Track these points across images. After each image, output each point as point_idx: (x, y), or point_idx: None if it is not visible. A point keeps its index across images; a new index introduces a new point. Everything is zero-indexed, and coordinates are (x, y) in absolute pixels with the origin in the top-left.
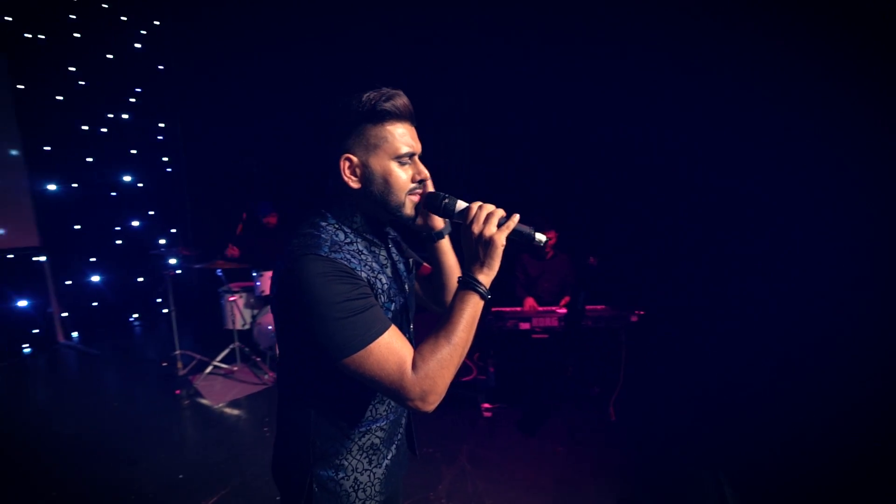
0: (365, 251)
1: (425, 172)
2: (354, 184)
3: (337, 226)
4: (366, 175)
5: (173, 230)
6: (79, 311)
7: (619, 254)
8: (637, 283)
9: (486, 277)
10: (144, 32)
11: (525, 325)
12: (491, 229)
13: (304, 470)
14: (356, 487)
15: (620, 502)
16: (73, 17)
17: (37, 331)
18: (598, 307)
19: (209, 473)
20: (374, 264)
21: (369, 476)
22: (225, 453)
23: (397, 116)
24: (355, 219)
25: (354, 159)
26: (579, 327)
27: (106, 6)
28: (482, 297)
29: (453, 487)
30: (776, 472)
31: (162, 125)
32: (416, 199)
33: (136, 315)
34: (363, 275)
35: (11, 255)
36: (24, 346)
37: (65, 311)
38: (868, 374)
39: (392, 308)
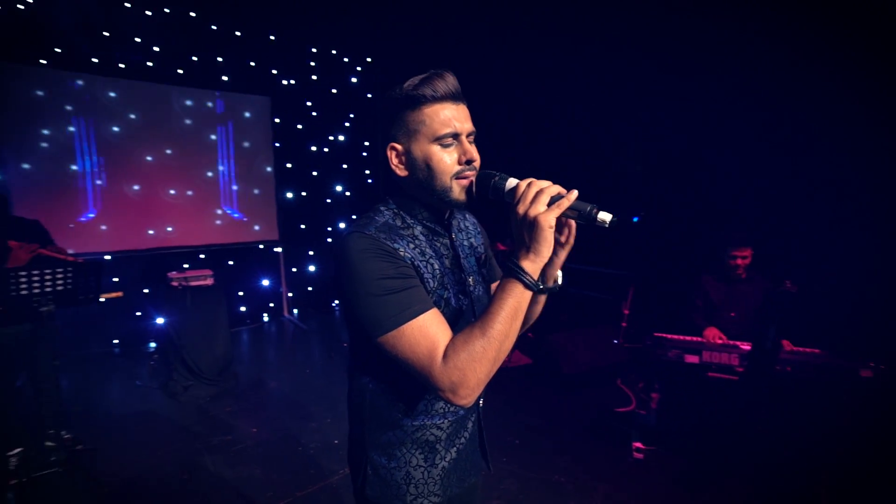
0: (422, 237)
1: (473, 153)
2: (402, 171)
3: (396, 211)
4: (409, 162)
5: None
6: (299, 292)
7: (844, 282)
8: (877, 324)
9: (532, 265)
10: (360, 69)
11: (692, 359)
12: (538, 209)
13: (362, 450)
14: (408, 481)
15: None
16: (313, 63)
17: (272, 305)
18: (808, 350)
19: None
20: (427, 249)
21: (423, 473)
22: None
23: (436, 98)
24: (414, 206)
25: (399, 147)
26: (771, 372)
27: (334, 52)
28: (527, 286)
29: None
30: None
31: (367, 143)
32: (465, 182)
33: (337, 302)
34: (407, 255)
35: (261, 246)
36: (263, 314)
37: (290, 292)
38: None
39: (445, 296)
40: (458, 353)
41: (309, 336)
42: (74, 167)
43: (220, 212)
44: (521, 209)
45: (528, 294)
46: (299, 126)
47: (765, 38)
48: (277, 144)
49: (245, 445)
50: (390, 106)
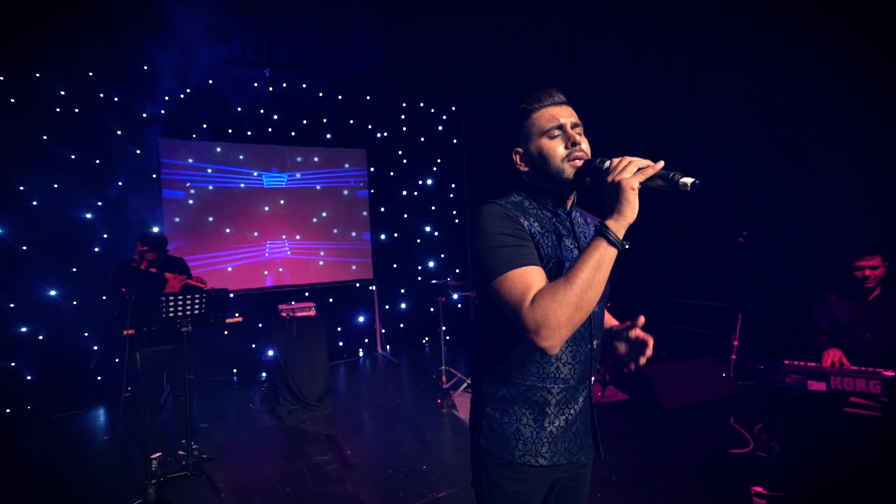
0: (545, 219)
1: (576, 137)
2: (524, 168)
3: (525, 197)
4: (528, 158)
5: (458, 270)
6: (391, 329)
7: None
8: None
9: (616, 224)
10: (445, 117)
11: (818, 386)
12: (623, 175)
13: (481, 406)
14: (517, 437)
15: None
16: (403, 116)
17: (367, 340)
18: None
19: (445, 472)
20: (548, 225)
21: (532, 432)
22: (461, 460)
23: (542, 105)
24: (539, 195)
25: (520, 150)
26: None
27: (422, 105)
28: (610, 243)
29: None
30: None
31: (454, 185)
32: (576, 164)
33: (426, 338)
34: (526, 224)
35: (358, 284)
36: (359, 349)
37: (383, 329)
38: None
39: (548, 267)
40: (544, 296)
41: (400, 370)
42: (211, 218)
43: (322, 253)
44: (610, 178)
45: (612, 250)
46: (391, 173)
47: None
48: (372, 191)
49: (340, 465)
50: (510, 121)
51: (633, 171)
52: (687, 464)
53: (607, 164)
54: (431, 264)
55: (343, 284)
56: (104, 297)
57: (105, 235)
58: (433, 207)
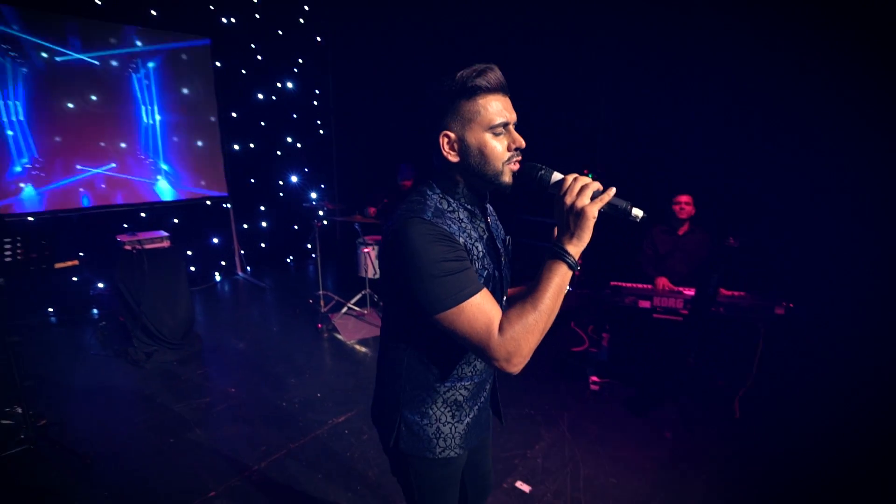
0: (466, 220)
1: (521, 141)
2: (454, 158)
3: (441, 195)
4: (463, 149)
5: (322, 185)
6: (252, 250)
7: (768, 236)
8: (789, 271)
9: (575, 249)
10: (307, 8)
11: (645, 304)
12: (583, 201)
13: (395, 410)
14: (438, 436)
15: None
16: (255, 0)
17: (224, 263)
18: (737, 293)
19: (340, 396)
20: (472, 232)
21: (451, 429)
22: (353, 382)
23: (488, 90)
24: (458, 190)
25: (452, 135)
26: (708, 313)
27: None
28: (570, 267)
29: (550, 450)
30: None
31: (317, 91)
32: (514, 167)
33: (291, 258)
34: (461, 240)
35: (209, 202)
36: (215, 274)
37: (242, 250)
38: None
39: (485, 275)
40: (514, 325)
41: (267, 294)
42: None
43: (159, 166)
44: (568, 200)
45: (570, 274)
46: (243, 71)
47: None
48: (221, 92)
49: (227, 405)
50: (443, 96)
51: (589, 196)
52: (541, 364)
53: (556, 177)
54: (294, 179)
55: (190, 203)
56: None
57: None
58: (295, 116)
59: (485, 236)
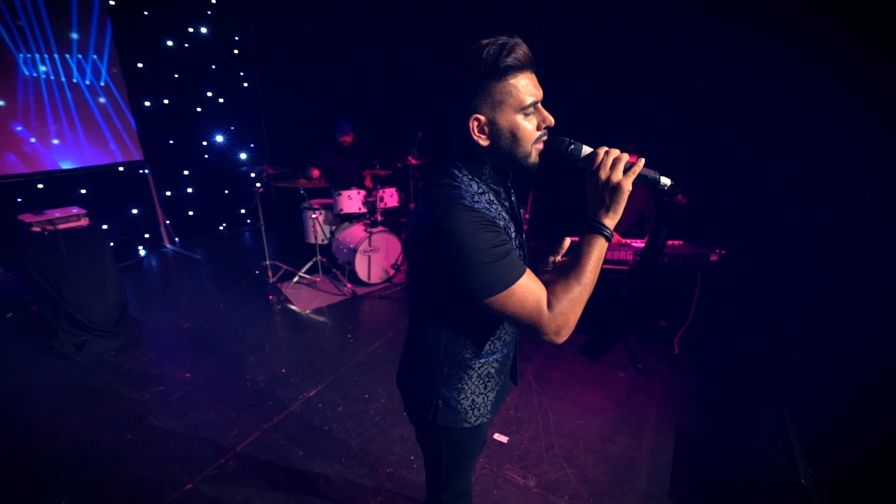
0: (495, 201)
1: (551, 119)
2: (484, 141)
3: (470, 177)
4: (494, 132)
5: (252, 145)
6: (179, 218)
7: (705, 189)
8: (720, 222)
9: (611, 222)
10: None
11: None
12: (618, 175)
13: (433, 388)
14: (473, 407)
15: (678, 429)
16: None
17: (147, 235)
18: (677, 243)
19: (307, 369)
20: (503, 213)
21: (483, 399)
22: (317, 354)
23: (519, 68)
24: (484, 171)
25: (482, 118)
26: (656, 263)
27: None
28: (607, 240)
29: (521, 401)
30: (840, 409)
31: (237, 38)
32: (541, 146)
33: (224, 225)
34: (500, 223)
35: (122, 168)
36: (139, 248)
37: (168, 219)
38: None
39: (517, 254)
40: (561, 301)
41: (203, 266)
42: None
43: (52, 127)
44: (602, 175)
45: (606, 246)
46: (146, 12)
47: None
48: (121, 37)
49: (185, 392)
50: (471, 76)
51: (622, 169)
52: None
53: (586, 151)
54: (220, 139)
55: (99, 170)
56: None
57: None
58: (213, 67)
59: (510, 217)
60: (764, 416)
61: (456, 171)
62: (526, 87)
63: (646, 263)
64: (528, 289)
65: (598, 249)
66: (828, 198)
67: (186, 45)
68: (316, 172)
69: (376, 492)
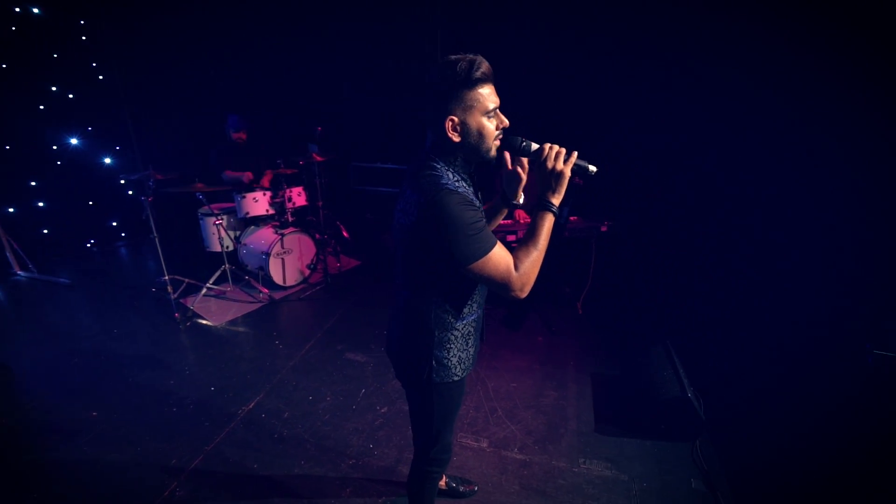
0: (465, 185)
1: (506, 121)
2: (456, 138)
3: (446, 167)
4: (464, 130)
5: (118, 147)
6: (30, 239)
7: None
8: (606, 198)
9: (557, 200)
10: None
11: (512, 237)
12: (560, 164)
13: (427, 351)
14: (459, 363)
15: (593, 376)
16: None
17: None
18: (572, 218)
19: (239, 383)
20: (473, 196)
21: (466, 354)
22: (247, 366)
23: (485, 80)
24: (456, 163)
25: (456, 119)
26: (560, 238)
27: None
28: (554, 215)
29: None
30: (711, 339)
31: (82, 22)
32: (498, 143)
33: (92, 241)
34: (477, 203)
35: None
36: None
37: (15, 242)
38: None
39: None
40: (524, 263)
41: (76, 291)
42: None
43: None
44: (549, 165)
45: (553, 219)
46: None
47: None
48: None
49: (95, 432)
50: (448, 86)
51: (563, 160)
52: None
53: (534, 147)
54: (75, 142)
55: None
56: None
57: None
58: (55, 56)
59: (476, 198)
60: (655, 353)
61: (434, 163)
62: (489, 95)
63: (552, 240)
64: (500, 255)
65: (548, 222)
66: (686, 164)
67: (14, 28)
68: (249, 175)
69: (343, 484)
